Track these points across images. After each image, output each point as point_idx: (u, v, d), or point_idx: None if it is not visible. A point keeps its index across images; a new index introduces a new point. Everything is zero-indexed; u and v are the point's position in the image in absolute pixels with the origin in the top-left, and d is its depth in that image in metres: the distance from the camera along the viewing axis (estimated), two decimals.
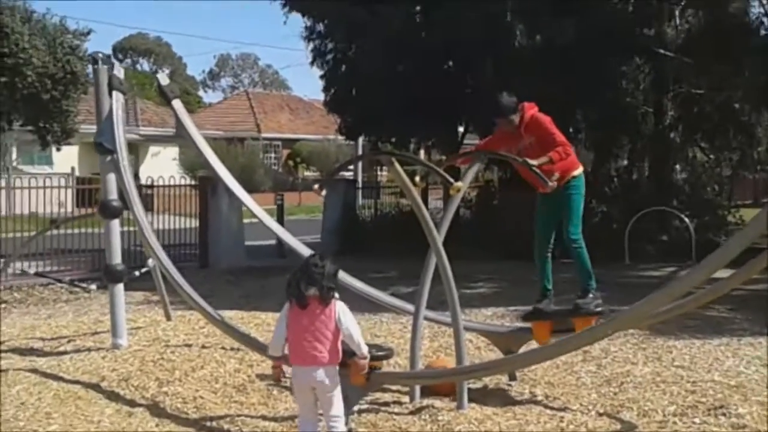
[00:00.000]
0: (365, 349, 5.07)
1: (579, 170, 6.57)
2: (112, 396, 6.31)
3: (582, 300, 6.51)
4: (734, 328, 8.79)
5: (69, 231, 14.03)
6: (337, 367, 4.95)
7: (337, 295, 4.94)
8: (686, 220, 15.18)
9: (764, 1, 16.61)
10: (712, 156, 19.60)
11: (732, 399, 5.86)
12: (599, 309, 6.44)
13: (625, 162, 19.39)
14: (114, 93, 7.31)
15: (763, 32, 16.16)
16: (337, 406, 4.97)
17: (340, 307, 4.93)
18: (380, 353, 5.38)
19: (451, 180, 5.59)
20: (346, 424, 5.30)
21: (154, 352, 7.38)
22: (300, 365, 4.90)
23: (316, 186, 6.14)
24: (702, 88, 16.97)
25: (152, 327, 8.59)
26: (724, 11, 15.93)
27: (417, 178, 6.52)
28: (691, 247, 14.63)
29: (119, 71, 7.40)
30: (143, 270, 8.56)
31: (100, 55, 7.38)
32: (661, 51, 15.90)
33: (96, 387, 6.52)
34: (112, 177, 7.47)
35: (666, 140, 17.29)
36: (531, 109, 6.49)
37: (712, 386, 6.28)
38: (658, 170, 17.21)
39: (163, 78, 7.61)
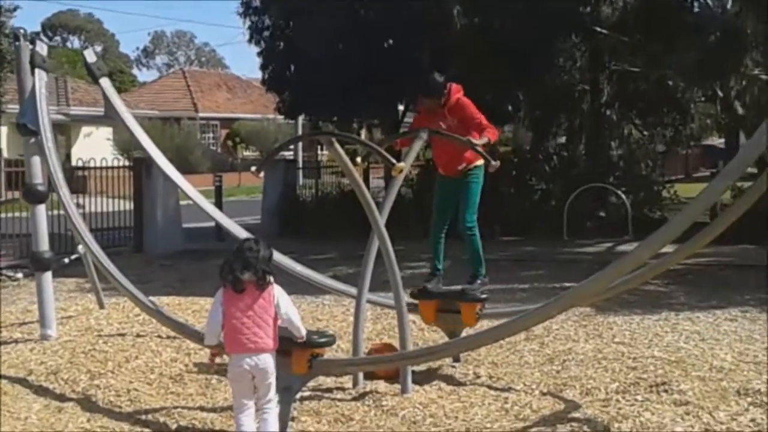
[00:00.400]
0: (304, 332, 4.98)
1: (481, 162, 6.66)
2: (41, 390, 6.02)
3: (470, 286, 6.62)
4: (672, 303, 8.90)
5: None
6: (275, 353, 4.83)
7: (272, 279, 4.80)
8: (623, 196, 15.36)
9: None
10: (645, 133, 19.86)
11: (673, 375, 5.89)
12: (484, 296, 6.61)
13: (563, 140, 19.56)
14: (36, 71, 6.93)
15: (696, 9, 16.35)
16: (273, 392, 4.86)
17: (277, 291, 4.81)
18: (322, 340, 5.23)
19: (393, 161, 5.46)
20: (290, 413, 5.17)
21: (85, 342, 7.10)
22: (239, 353, 4.74)
23: (253, 168, 5.93)
24: (637, 65, 17.14)
25: (84, 316, 8.29)
26: None
27: (358, 159, 6.37)
28: (627, 222, 14.82)
29: (42, 48, 7.02)
30: (73, 256, 8.23)
31: (22, 30, 7.00)
32: (597, 29, 15.97)
33: (23, 381, 6.22)
34: (36, 160, 7.13)
35: (602, 117, 17.45)
36: (457, 92, 6.60)
37: (653, 362, 6.32)
38: (595, 147, 17.37)
39: (90, 55, 7.27)
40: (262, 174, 5.98)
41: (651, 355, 6.56)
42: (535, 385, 5.96)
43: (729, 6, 16.15)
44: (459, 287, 6.66)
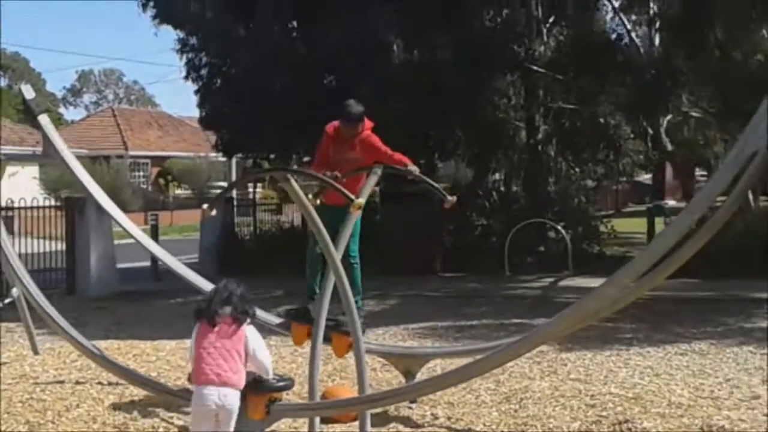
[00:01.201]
0: (271, 374, 4.92)
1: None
2: None
3: (344, 317, 6.36)
4: (621, 338, 8.92)
5: None
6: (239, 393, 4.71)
7: (248, 318, 4.81)
8: (562, 231, 15.51)
9: (626, 20, 17.32)
10: (577, 169, 20.20)
11: (633, 412, 5.86)
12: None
13: (499, 176, 19.73)
14: None
15: (625, 48, 16.79)
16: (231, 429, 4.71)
17: (249, 331, 4.78)
18: (280, 384, 5.03)
19: (352, 197, 5.33)
20: None
21: (21, 391, 6.72)
22: (202, 384, 4.62)
23: (205, 206, 5.72)
24: (571, 102, 17.48)
25: (18, 362, 7.87)
26: (587, 29, 16.50)
27: (310, 196, 6.20)
28: (567, 257, 14.95)
29: None
30: (7, 300, 7.81)
31: None
32: (532, 67, 16.25)
33: None
34: None
35: (539, 154, 17.67)
36: (369, 127, 6.60)
37: (611, 399, 6.28)
38: (533, 183, 17.56)
39: (28, 91, 6.98)
40: (214, 212, 5.76)
41: (608, 391, 6.52)
42: (495, 426, 5.85)
43: (657, 43, 16.68)
44: (334, 317, 6.30)
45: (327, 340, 6.21)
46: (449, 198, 6.27)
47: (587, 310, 4.49)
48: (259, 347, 4.80)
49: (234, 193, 29.10)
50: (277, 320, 6.83)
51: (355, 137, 6.52)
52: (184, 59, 16.27)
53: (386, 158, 6.46)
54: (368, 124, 6.61)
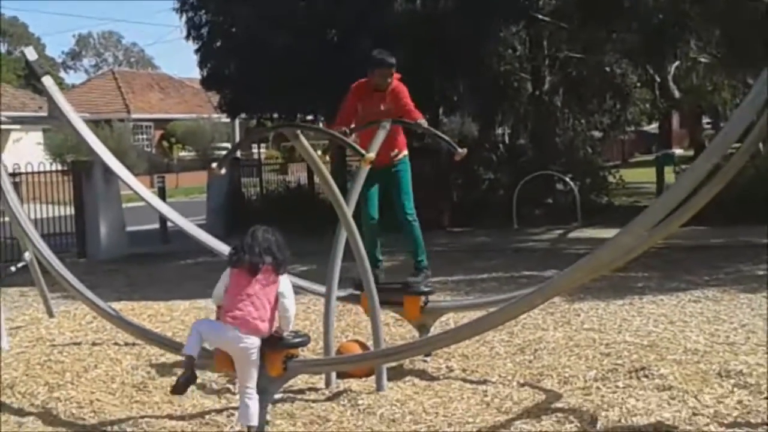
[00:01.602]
0: (292, 325, 4.95)
1: (406, 151, 6.66)
2: None
3: (413, 278, 6.49)
4: (633, 287, 8.90)
5: None
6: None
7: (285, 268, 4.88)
8: (570, 182, 15.44)
9: None
10: (583, 120, 20.06)
11: (649, 359, 5.85)
12: (427, 289, 6.47)
13: (507, 129, 19.60)
14: None
15: None
16: (254, 379, 4.81)
17: (284, 280, 4.85)
18: (297, 340, 5.03)
19: (363, 151, 5.28)
20: (264, 417, 4.98)
21: (39, 353, 6.75)
22: (231, 326, 4.71)
23: (214, 165, 5.68)
24: (576, 52, 17.28)
25: (33, 326, 7.91)
26: None
27: (319, 152, 6.17)
28: (575, 209, 14.91)
29: None
30: (20, 264, 7.82)
31: None
32: (537, 16, 16.03)
33: None
34: None
35: (544, 105, 17.53)
36: (397, 77, 6.50)
37: (626, 347, 6.28)
38: (540, 135, 17.44)
39: (31, 53, 6.89)
40: (223, 171, 5.73)
41: (623, 340, 6.52)
42: (510, 377, 5.87)
43: None
44: (403, 280, 6.51)
45: (394, 304, 6.27)
46: (460, 150, 6.21)
47: (602, 260, 4.45)
48: (288, 296, 4.84)
49: (239, 153, 29.19)
50: (344, 293, 6.69)
51: (387, 87, 6.38)
52: (184, 18, 16.08)
53: (405, 109, 6.36)
54: (396, 74, 6.47)
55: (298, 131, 5.31)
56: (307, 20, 14.43)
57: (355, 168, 15.79)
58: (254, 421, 4.77)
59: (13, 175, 15.85)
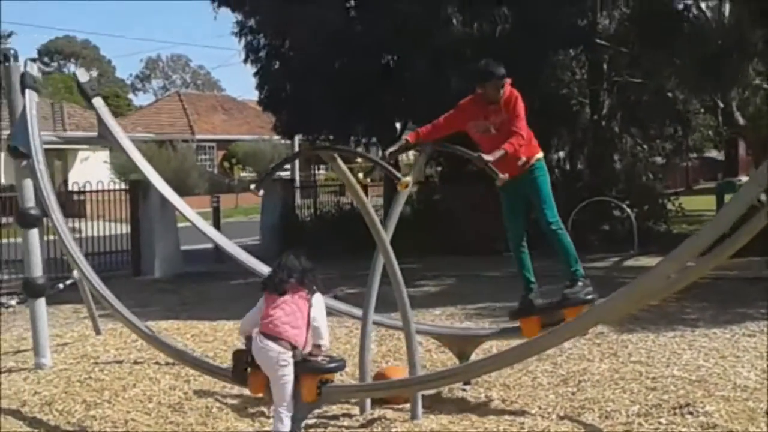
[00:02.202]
0: (327, 343, 5.02)
1: (541, 154, 6.23)
2: (35, 423, 5.76)
3: (570, 289, 6.09)
4: (685, 319, 8.63)
5: None
6: (293, 353, 4.87)
7: (315, 288, 5.03)
8: (627, 209, 15.12)
9: None
10: (645, 146, 19.68)
11: (696, 395, 5.63)
12: (590, 297, 6.00)
13: (564, 153, 19.34)
14: (27, 92, 6.71)
15: (693, 19, 16.18)
16: (287, 400, 4.86)
17: (316, 298, 4.98)
18: (332, 365, 5.00)
19: (399, 175, 5.21)
20: None
21: (81, 370, 6.83)
22: (262, 335, 4.88)
23: (252, 186, 5.70)
24: (636, 76, 16.98)
25: (80, 342, 8.02)
26: (653, 0, 15.93)
27: (360, 174, 6.11)
28: (632, 236, 14.58)
29: (32, 68, 6.80)
30: (68, 282, 7.97)
31: (12, 51, 6.78)
32: (596, 40, 15.82)
33: (16, 413, 5.95)
34: (29, 183, 6.89)
35: (603, 130, 17.25)
36: (509, 83, 6.03)
37: (673, 382, 6.05)
38: (597, 160, 17.16)
39: (82, 74, 7.04)
40: (261, 192, 5.74)
41: (671, 374, 6.29)
42: (551, 409, 5.70)
43: (726, 14, 16.02)
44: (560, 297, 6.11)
45: (556, 322, 5.71)
46: (501, 176, 6.02)
47: (644, 289, 4.30)
48: (319, 313, 4.94)
49: (297, 175, 29.45)
50: (509, 325, 6.57)
51: (500, 99, 5.93)
52: (243, 42, 16.35)
53: (511, 121, 5.88)
54: (508, 81, 5.99)
55: (335, 153, 5.28)
56: (363, 44, 14.50)
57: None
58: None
59: (78, 193, 16.32)
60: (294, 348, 4.87)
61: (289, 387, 4.85)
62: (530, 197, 6.19)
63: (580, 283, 6.10)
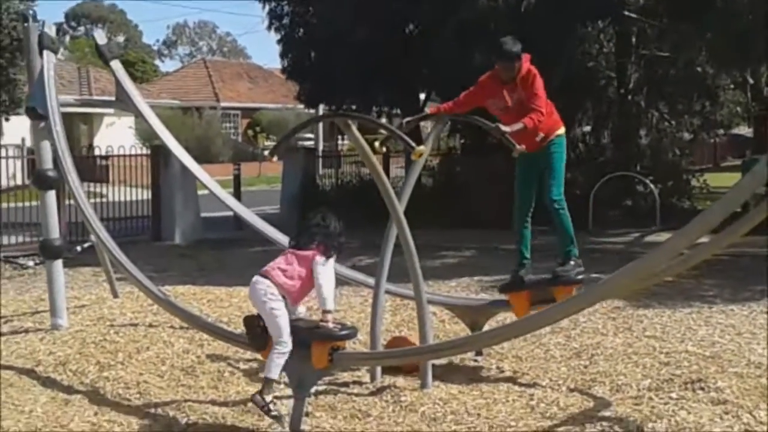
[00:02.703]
0: (330, 307, 4.91)
1: (562, 129, 6.17)
2: (48, 382, 5.83)
3: (562, 268, 6.07)
4: (703, 296, 8.54)
5: (13, 204, 13.35)
6: (280, 295, 4.89)
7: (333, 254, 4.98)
8: (650, 185, 14.96)
9: None
10: (672, 121, 19.43)
11: (709, 371, 5.58)
12: (580, 277, 6.03)
13: (589, 127, 19.13)
14: (45, 53, 6.70)
15: None
16: (282, 334, 4.86)
17: (322, 260, 4.90)
18: (344, 332, 4.98)
19: (413, 144, 5.16)
20: (303, 408, 4.96)
21: (96, 332, 6.88)
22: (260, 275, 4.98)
23: (266, 153, 5.69)
24: (665, 50, 16.71)
25: (97, 305, 8.08)
26: None
27: (376, 143, 6.05)
28: (655, 212, 14.43)
29: (50, 29, 6.79)
30: (86, 245, 8.02)
31: (30, 11, 6.77)
32: (625, 12, 15.56)
33: (30, 373, 6.03)
34: (46, 144, 6.92)
35: (629, 105, 17.03)
36: (527, 61, 5.96)
37: (686, 357, 6.01)
38: (622, 135, 16.96)
39: (101, 37, 7.03)
40: (275, 159, 5.72)
41: (684, 349, 6.24)
42: (561, 381, 5.69)
43: None
44: (552, 273, 6.09)
45: (548, 300, 5.78)
46: (518, 147, 5.95)
47: (654, 265, 4.23)
48: (323, 277, 4.86)
49: (320, 144, 29.40)
50: (493, 298, 6.63)
51: (514, 79, 5.91)
52: (267, 8, 16.26)
53: (529, 98, 5.85)
54: (526, 58, 5.92)
55: (350, 120, 5.25)
56: (387, 14, 14.38)
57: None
58: (272, 374, 4.86)
59: (102, 157, 16.40)
60: (284, 292, 4.90)
61: (283, 321, 4.84)
62: (543, 171, 6.12)
63: (572, 263, 6.08)
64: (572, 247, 6.16)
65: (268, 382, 4.89)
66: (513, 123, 5.87)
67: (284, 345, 4.83)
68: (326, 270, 4.89)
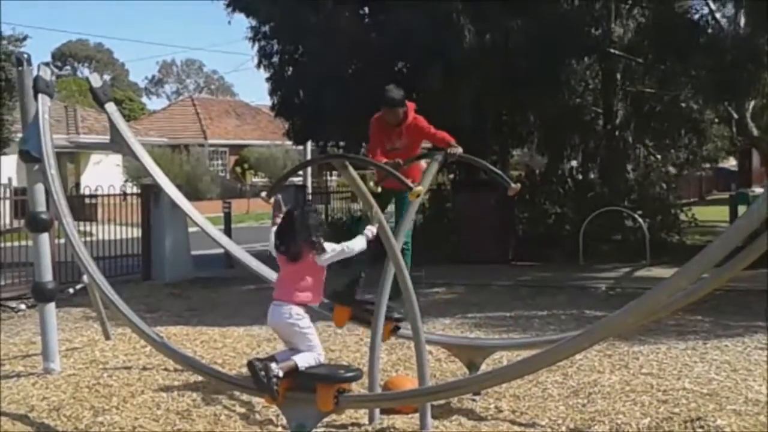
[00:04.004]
0: (357, 248, 5.09)
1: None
2: (42, 428, 5.74)
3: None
4: (698, 331, 8.56)
5: (2, 244, 13.24)
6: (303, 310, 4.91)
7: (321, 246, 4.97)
8: (639, 219, 15.05)
9: (710, 1, 16.61)
10: (659, 155, 19.61)
11: (707, 408, 5.58)
12: (399, 315, 6.14)
13: (576, 163, 19.28)
14: (40, 96, 6.71)
15: (709, 30, 16.11)
16: (305, 345, 4.89)
17: (323, 254, 4.94)
18: (349, 374, 4.97)
19: (411, 184, 5.19)
20: None
21: (89, 376, 6.82)
22: (278, 300, 4.96)
23: (263, 194, 5.69)
24: (651, 87, 16.92)
25: (89, 347, 8.01)
26: (669, 9, 15.87)
27: (371, 183, 6.11)
28: (644, 246, 14.50)
29: (45, 72, 6.81)
30: (78, 286, 7.97)
31: (25, 55, 6.79)
32: (610, 50, 15.77)
33: (24, 418, 5.94)
34: (40, 187, 6.90)
35: (616, 140, 17.19)
36: (412, 109, 6.45)
37: (684, 395, 6.01)
38: (610, 170, 17.10)
39: (96, 79, 7.05)
40: (272, 200, 5.71)
41: (682, 387, 6.24)
42: (561, 421, 5.66)
43: (742, 24, 15.93)
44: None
45: (365, 321, 6.09)
46: (513, 185, 6.02)
47: (656, 302, 4.26)
48: (332, 259, 4.95)
49: (309, 181, 29.46)
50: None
51: (400, 124, 6.38)
52: (257, 47, 16.37)
53: (430, 137, 6.36)
54: (411, 106, 6.44)
55: (347, 161, 5.26)
56: (377, 51, 14.49)
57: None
58: (300, 364, 4.84)
59: (90, 196, 16.35)
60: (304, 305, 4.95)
61: (313, 334, 4.91)
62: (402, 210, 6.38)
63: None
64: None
65: (289, 364, 4.84)
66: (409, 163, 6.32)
67: (319, 355, 4.94)
68: (330, 256, 4.95)
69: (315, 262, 4.92)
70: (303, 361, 4.88)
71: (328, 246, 4.97)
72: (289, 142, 26.68)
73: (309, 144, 23.22)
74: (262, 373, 4.76)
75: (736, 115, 17.66)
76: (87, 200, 17.78)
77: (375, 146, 6.54)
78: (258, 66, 16.45)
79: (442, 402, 5.99)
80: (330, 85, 14.68)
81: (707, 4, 16.45)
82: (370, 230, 5.23)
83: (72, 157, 33.23)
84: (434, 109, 14.25)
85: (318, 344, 4.96)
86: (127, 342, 8.19)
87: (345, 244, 5.07)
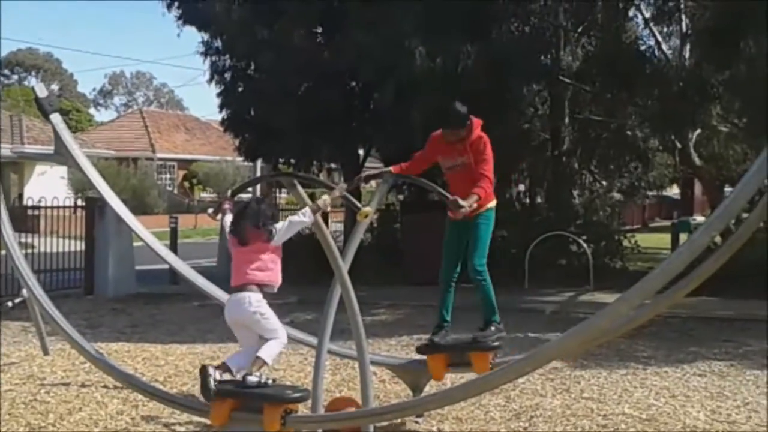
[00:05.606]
0: (304, 217, 5.15)
1: (493, 203, 6.29)
2: None
3: (482, 333, 6.18)
4: (638, 357, 8.69)
5: None
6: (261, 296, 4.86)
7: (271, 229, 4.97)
8: (584, 245, 15.27)
9: (656, 32, 17.03)
10: (604, 182, 19.96)
11: None
12: (496, 344, 6.15)
13: (524, 187, 19.54)
14: None
15: (655, 61, 16.51)
16: (271, 332, 4.83)
17: (273, 240, 4.95)
18: (296, 395, 4.90)
19: (359, 205, 5.20)
20: None
21: (26, 392, 6.66)
22: (236, 287, 4.87)
23: (210, 210, 5.64)
24: (598, 114, 17.24)
25: (27, 363, 7.82)
26: (616, 40, 16.24)
27: (320, 202, 6.04)
28: (588, 271, 14.70)
29: None
30: (17, 300, 7.78)
31: None
32: (559, 77, 16.05)
33: None
34: None
35: (563, 165, 17.46)
36: (479, 126, 6.10)
37: (623, 420, 6.10)
38: (556, 195, 17.35)
39: (41, 89, 6.88)
40: (219, 217, 5.66)
41: (621, 412, 6.33)
42: None
43: (687, 56, 16.37)
44: (469, 336, 6.22)
45: (464, 363, 6.04)
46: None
47: (598, 328, 4.31)
48: (286, 235, 5.00)
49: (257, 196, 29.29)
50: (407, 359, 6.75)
51: (462, 141, 6.01)
52: (208, 62, 16.28)
53: (476, 163, 5.98)
54: (477, 123, 6.06)
55: (295, 180, 5.25)
56: (330, 70, 14.52)
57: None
58: (268, 360, 4.80)
59: (32, 208, 16.01)
60: (265, 286, 4.90)
61: (274, 318, 4.86)
62: (468, 239, 6.25)
63: (492, 328, 6.18)
64: (494, 315, 6.24)
65: (258, 363, 4.78)
66: (458, 181, 6.07)
67: (283, 337, 4.89)
68: (280, 233, 4.98)
69: (268, 243, 4.92)
70: (270, 353, 4.83)
71: (277, 225, 4.99)
72: (240, 158, 26.58)
73: (259, 160, 23.07)
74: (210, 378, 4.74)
75: (679, 145, 18.11)
76: (29, 211, 17.41)
77: (420, 156, 6.26)
78: (209, 81, 16.35)
79: (385, 423, 6.00)
80: (281, 102, 14.66)
81: (654, 36, 16.92)
82: (322, 201, 5.18)
83: (16, 167, 32.54)
84: (385, 128, 14.45)
85: (280, 326, 4.91)
86: (66, 358, 8.02)
87: (290, 218, 5.09)
